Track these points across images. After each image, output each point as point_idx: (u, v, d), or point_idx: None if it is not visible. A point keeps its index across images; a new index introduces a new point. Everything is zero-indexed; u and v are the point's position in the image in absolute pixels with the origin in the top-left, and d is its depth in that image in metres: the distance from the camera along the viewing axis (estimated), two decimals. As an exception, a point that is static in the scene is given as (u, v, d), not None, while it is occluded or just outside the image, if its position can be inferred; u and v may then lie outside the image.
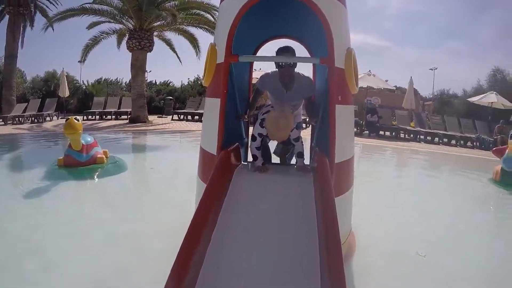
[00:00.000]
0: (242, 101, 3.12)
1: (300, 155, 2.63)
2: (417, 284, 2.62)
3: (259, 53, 3.65)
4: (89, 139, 5.84)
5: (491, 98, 13.80)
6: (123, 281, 2.42)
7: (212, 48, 2.62)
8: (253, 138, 2.54)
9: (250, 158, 3.05)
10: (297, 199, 2.12)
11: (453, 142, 12.42)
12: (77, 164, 5.45)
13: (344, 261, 1.53)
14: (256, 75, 4.48)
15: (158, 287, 1.43)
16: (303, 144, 2.68)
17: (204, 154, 2.63)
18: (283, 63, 2.79)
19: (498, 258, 3.19)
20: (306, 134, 3.83)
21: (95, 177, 5.32)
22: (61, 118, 15.03)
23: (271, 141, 2.97)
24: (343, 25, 2.66)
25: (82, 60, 16.58)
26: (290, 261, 1.72)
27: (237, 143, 2.59)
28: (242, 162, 2.70)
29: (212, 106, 2.54)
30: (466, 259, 3.07)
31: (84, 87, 22.29)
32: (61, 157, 5.54)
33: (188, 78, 25.22)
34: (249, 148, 2.78)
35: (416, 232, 3.61)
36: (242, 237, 1.88)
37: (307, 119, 11.27)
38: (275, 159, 3.31)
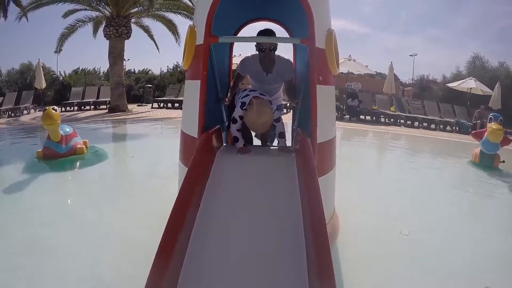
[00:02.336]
0: (222, 85, 3.08)
1: (282, 135, 2.63)
2: (403, 261, 2.70)
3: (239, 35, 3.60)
4: (68, 130, 5.70)
5: (470, 84, 14.08)
6: (106, 270, 2.40)
7: (191, 30, 2.57)
8: (234, 121, 2.52)
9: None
10: (280, 180, 2.12)
11: (433, 126, 12.69)
12: (57, 156, 5.31)
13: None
14: (236, 60, 4.43)
15: (142, 272, 1.41)
16: (284, 125, 2.67)
17: (185, 137, 2.59)
18: (264, 47, 2.78)
19: (477, 235, 3.30)
20: (287, 118, 3.83)
21: (76, 168, 5.20)
22: (38, 110, 14.54)
23: None
24: (323, 6, 2.64)
25: (58, 50, 16.06)
26: (274, 243, 1.72)
27: (218, 126, 2.56)
28: (224, 144, 2.68)
29: (192, 89, 2.50)
30: (448, 236, 3.18)
31: (61, 78, 21.57)
32: (40, 150, 5.38)
33: (167, 66, 24.76)
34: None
35: (398, 212, 3.70)
36: (226, 219, 1.87)
37: (288, 104, 11.36)
38: (257, 142, 3.30)
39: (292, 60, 3.38)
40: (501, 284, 2.45)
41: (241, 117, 2.48)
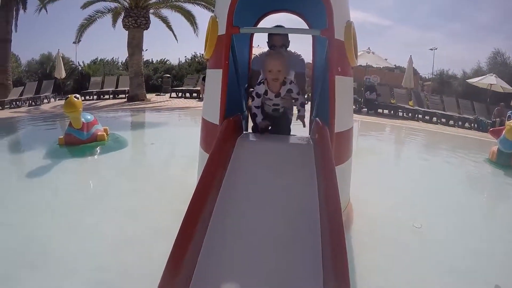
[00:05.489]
0: (243, 74, 3.16)
1: (303, 105, 2.75)
2: (413, 252, 2.73)
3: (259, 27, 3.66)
4: (89, 117, 5.88)
5: (491, 80, 13.71)
6: (127, 255, 2.48)
7: (213, 21, 2.64)
8: (253, 98, 2.66)
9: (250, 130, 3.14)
10: (298, 168, 2.17)
11: (451, 122, 12.46)
12: (78, 142, 5.50)
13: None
14: (254, 51, 4.48)
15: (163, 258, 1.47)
16: (305, 97, 2.78)
17: (206, 124, 2.69)
18: (275, 45, 3.02)
19: (489, 233, 3.28)
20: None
21: (97, 154, 5.38)
22: (58, 99, 14.95)
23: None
24: (343, -3, 2.67)
25: (77, 41, 16.42)
26: (290, 233, 1.76)
27: (238, 113, 2.64)
28: (244, 132, 2.76)
29: (214, 77, 2.58)
30: (460, 233, 3.16)
31: (80, 68, 22.04)
32: (62, 136, 5.58)
33: (185, 56, 24.98)
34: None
35: (412, 205, 3.71)
36: (243, 206, 1.93)
37: (306, 96, 11.59)
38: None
39: (312, 51, 3.43)
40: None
41: (258, 95, 2.63)
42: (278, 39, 3.08)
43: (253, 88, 2.79)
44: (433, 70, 27.70)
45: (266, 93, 2.63)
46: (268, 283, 1.55)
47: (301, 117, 2.78)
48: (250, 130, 3.20)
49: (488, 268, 2.61)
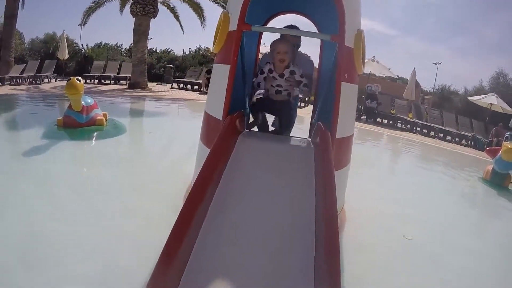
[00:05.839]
0: (249, 71, 3.17)
1: (306, 86, 2.97)
2: (402, 262, 2.76)
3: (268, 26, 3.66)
4: (89, 101, 5.82)
5: (492, 100, 13.83)
6: (123, 248, 2.43)
7: (225, 16, 2.64)
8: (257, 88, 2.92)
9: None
10: (297, 169, 2.19)
11: (449, 138, 12.57)
12: (77, 125, 5.45)
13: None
14: (262, 50, 4.49)
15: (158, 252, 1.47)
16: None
17: (209, 118, 2.69)
18: None
19: (475, 249, 3.29)
20: (305, 113, 3.88)
21: (94, 138, 5.35)
22: (59, 80, 14.87)
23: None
24: (355, 5, 2.69)
25: (83, 23, 16.34)
26: (285, 234, 1.77)
27: (241, 110, 2.65)
28: (245, 130, 2.77)
29: (221, 72, 2.58)
30: (449, 247, 3.19)
31: (84, 51, 21.91)
32: (61, 118, 5.53)
33: (190, 48, 24.93)
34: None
35: (403, 218, 3.73)
36: (240, 204, 1.94)
37: (307, 98, 11.73)
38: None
39: (319, 54, 3.45)
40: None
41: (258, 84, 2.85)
42: (290, 38, 3.13)
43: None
44: (435, 84, 27.98)
45: (271, 71, 2.83)
46: (259, 280, 1.57)
47: (305, 92, 3.01)
48: (255, 128, 3.23)
49: (476, 282, 2.66)
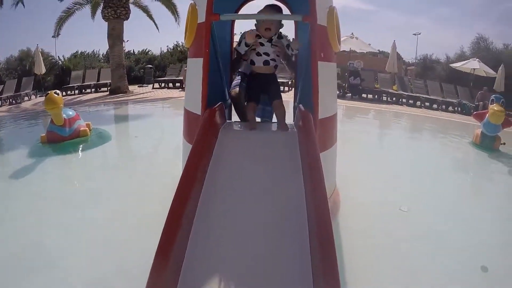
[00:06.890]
0: (224, 62, 3.09)
1: (295, 48, 2.66)
2: (400, 236, 2.77)
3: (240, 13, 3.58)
4: (70, 113, 5.73)
5: (474, 65, 13.87)
6: (119, 253, 2.46)
7: (193, 8, 2.56)
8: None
9: (233, 118, 3.11)
10: (282, 157, 2.15)
11: (435, 106, 12.65)
12: (61, 139, 5.37)
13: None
14: (236, 39, 4.41)
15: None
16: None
17: (188, 115, 2.64)
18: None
19: (472, 216, 3.33)
20: (289, 96, 3.85)
21: (80, 150, 5.26)
22: (39, 96, 14.52)
23: None
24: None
25: (56, 35, 15.93)
26: (277, 224, 1.74)
27: (220, 102, 2.59)
28: (227, 121, 2.72)
29: (195, 67, 2.52)
30: (444, 216, 3.22)
31: (61, 63, 21.42)
32: (44, 134, 5.43)
33: (167, 46, 24.56)
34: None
35: (398, 190, 3.75)
36: (228, 197, 1.90)
37: (290, 82, 11.67)
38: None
39: (294, 36, 3.38)
40: (494, 267, 2.41)
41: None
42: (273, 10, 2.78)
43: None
44: (416, 55, 27.99)
45: (259, 36, 2.54)
46: (256, 275, 1.54)
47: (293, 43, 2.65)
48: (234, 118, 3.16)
49: (476, 247, 2.67)
